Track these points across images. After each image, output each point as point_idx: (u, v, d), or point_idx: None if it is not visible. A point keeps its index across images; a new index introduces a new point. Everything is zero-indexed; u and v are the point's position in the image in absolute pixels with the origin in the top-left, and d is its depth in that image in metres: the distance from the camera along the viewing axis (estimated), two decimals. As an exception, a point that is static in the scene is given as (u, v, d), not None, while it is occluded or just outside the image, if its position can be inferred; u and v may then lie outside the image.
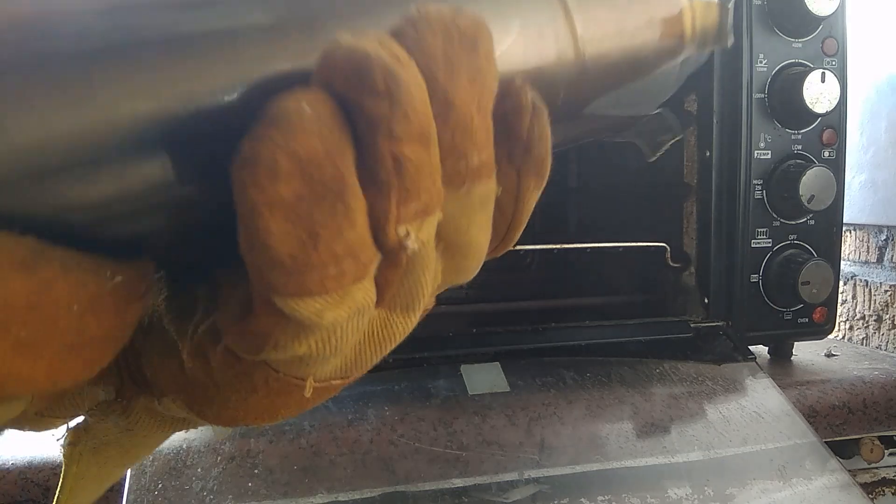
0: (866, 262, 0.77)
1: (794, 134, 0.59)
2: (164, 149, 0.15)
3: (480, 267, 0.19)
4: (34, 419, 0.20)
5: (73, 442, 0.22)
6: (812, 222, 0.60)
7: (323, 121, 0.14)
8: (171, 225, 0.16)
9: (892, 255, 0.74)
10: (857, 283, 0.78)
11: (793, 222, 0.60)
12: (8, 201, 0.14)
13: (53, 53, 0.14)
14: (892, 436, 0.57)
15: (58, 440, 0.23)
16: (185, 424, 0.22)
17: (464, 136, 0.16)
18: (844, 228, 0.65)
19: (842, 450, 0.55)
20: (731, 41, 0.24)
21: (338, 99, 0.14)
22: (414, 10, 0.15)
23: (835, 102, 0.57)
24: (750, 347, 0.61)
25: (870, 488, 0.57)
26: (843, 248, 0.63)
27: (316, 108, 0.14)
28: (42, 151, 0.14)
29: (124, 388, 0.21)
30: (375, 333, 0.18)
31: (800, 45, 0.58)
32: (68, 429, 0.22)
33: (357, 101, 0.14)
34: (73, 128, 0.14)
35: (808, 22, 0.57)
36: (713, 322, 0.60)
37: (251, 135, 0.14)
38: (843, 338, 0.80)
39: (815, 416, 0.55)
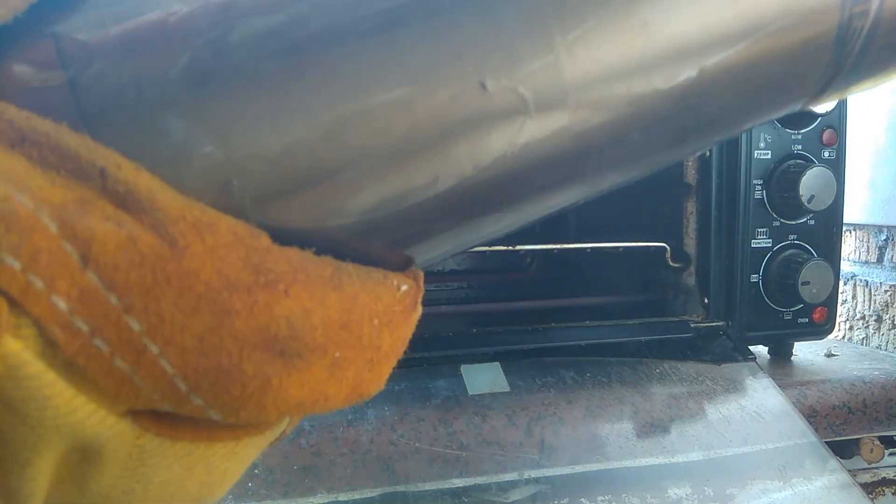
0: (866, 262, 0.77)
1: (794, 134, 0.59)
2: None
3: None
4: None
5: None
6: (812, 222, 0.60)
7: None
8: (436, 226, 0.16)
9: (892, 255, 0.74)
10: (857, 283, 0.78)
11: (793, 222, 0.60)
12: (302, 213, 0.13)
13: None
14: (892, 436, 0.57)
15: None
16: None
17: None
18: (844, 228, 0.65)
19: (842, 450, 0.55)
20: None
21: None
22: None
23: (834, 102, 0.57)
24: (750, 347, 0.61)
25: (870, 488, 0.57)
26: (843, 248, 0.63)
27: None
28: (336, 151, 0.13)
29: None
30: None
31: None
32: None
33: None
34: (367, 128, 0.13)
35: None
36: (713, 322, 0.60)
37: None
38: (843, 338, 0.80)
39: (815, 416, 0.55)
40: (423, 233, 0.16)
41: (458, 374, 0.54)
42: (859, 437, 0.56)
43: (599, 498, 0.45)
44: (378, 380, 0.16)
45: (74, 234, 0.12)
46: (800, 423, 0.52)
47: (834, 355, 0.66)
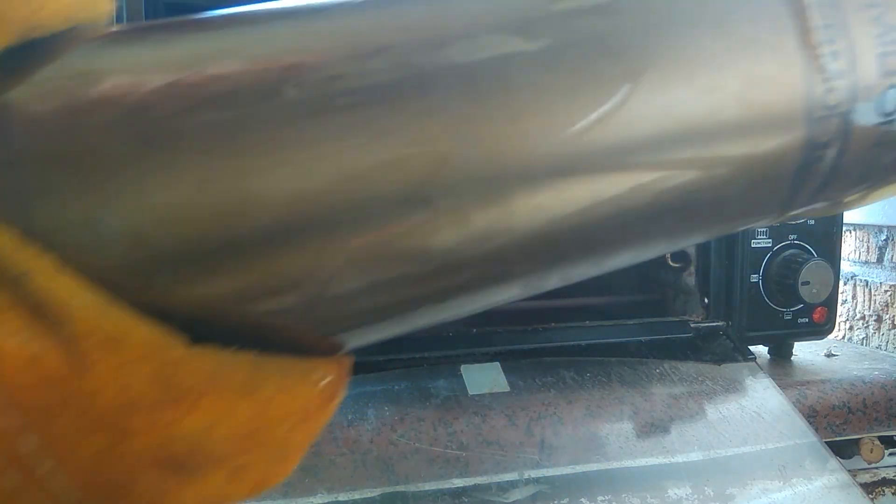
0: (866, 262, 0.77)
1: (794, 134, 0.59)
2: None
3: None
4: None
5: None
6: (812, 222, 0.60)
7: None
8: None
9: (892, 255, 0.74)
10: (857, 283, 0.78)
11: (793, 222, 0.60)
12: (225, 297, 0.13)
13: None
14: (892, 436, 0.57)
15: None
16: None
17: None
18: (844, 228, 0.65)
19: (842, 450, 0.55)
20: None
21: None
22: None
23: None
24: (750, 347, 0.61)
25: (870, 488, 0.57)
26: (843, 248, 0.63)
27: None
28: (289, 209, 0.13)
29: None
30: None
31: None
32: None
33: None
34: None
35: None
36: (713, 322, 0.60)
37: None
38: (843, 338, 0.80)
39: (815, 416, 0.55)
40: (351, 323, 0.15)
41: (458, 374, 0.54)
42: (859, 437, 0.56)
43: (599, 498, 0.45)
44: (286, 471, 0.15)
45: None
46: (800, 423, 0.52)
47: (834, 355, 0.66)
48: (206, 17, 0.15)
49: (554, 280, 0.18)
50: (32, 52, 0.13)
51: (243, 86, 0.13)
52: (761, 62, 0.16)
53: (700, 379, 0.56)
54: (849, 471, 0.49)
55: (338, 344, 0.16)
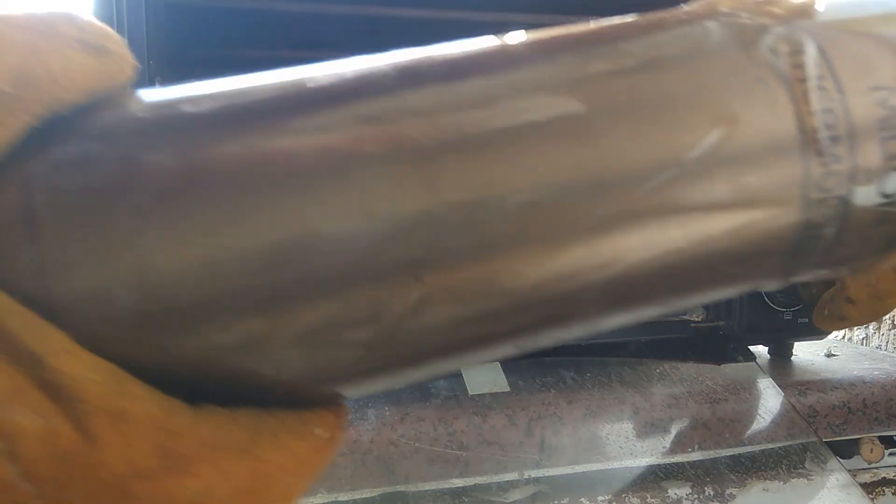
0: (866, 262, 0.77)
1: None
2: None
3: None
4: None
5: None
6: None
7: None
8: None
9: (892, 255, 0.74)
10: (857, 283, 0.78)
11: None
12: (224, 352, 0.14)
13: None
14: (892, 436, 0.57)
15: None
16: None
17: None
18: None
19: (842, 450, 0.55)
20: None
21: None
22: None
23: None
24: (750, 347, 0.61)
25: (870, 488, 0.57)
26: (843, 248, 0.63)
27: None
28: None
29: None
30: None
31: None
32: None
33: None
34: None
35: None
36: (713, 322, 0.60)
37: None
38: (843, 338, 0.80)
39: (815, 416, 0.55)
40: (350, 376, 0.16)
41: (458, 374, 0.54)
42: (859, 437, 0.56)
43: (599, 498, 0.45)
44: None
45: (2, 432, 0.13)
46: (800, 423, 0.52)
47: (834, 355, 0.66)
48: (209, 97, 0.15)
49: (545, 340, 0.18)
50: (55, 127, 0.14)
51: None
52: (756, 143, 0.16)
53: (700, 379, 0.56)
54: (849, 471, 0.49)
55: (336, 395, 0.16)
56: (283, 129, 0.14)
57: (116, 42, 0.15)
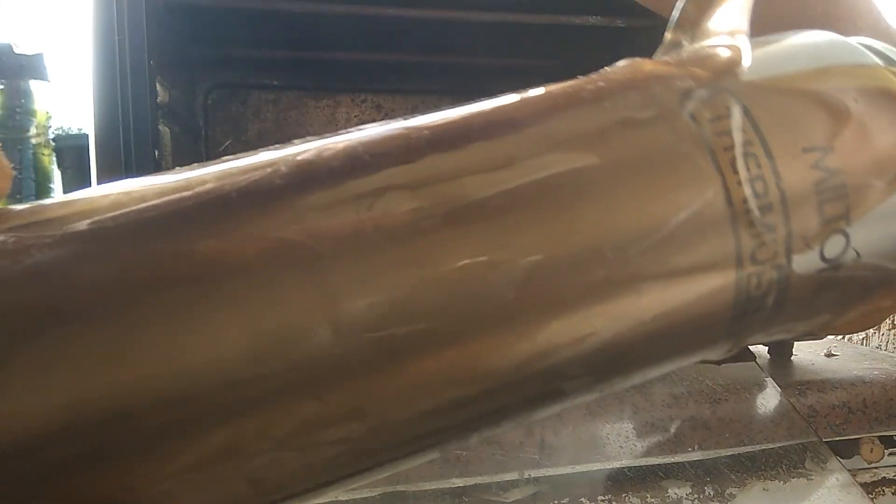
0: (866, 262, 0.77)
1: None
2: None
3: None
4: None
5: None
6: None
7: None
8: None
9: (892, 255, 0.74)
10: (857, 283, 0.78)
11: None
12: None
13: None
14: (892, 436, 0.57)
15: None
16: None
17: None
18: (844, 228, 0.64)
19: (842, 450, 0.55)
20: None
21: None
22: None
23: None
24: (750, 347, 0.60)
25: (870, 488, 0.57)
26: (843, 248, 0.63)
27: None
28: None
29: None
30: None
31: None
32: None
33: None
34: None
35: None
36: (713, 322, 0.60)
37: None
38: (843, 338, 0.80)
39: (815, 416, 0.55)
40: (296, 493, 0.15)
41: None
42: (859, 437, 0.56)
43: (599, 498, 0.45)
44: None
45: None
46: (800, 423, 0.52)
47: (834, 355, 0.66)
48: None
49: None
50: None
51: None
52: (682, 217, 0.15)
53: (700, 379, 0.56)
54: (849, 471, 0.49)
55: None
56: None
57: None
